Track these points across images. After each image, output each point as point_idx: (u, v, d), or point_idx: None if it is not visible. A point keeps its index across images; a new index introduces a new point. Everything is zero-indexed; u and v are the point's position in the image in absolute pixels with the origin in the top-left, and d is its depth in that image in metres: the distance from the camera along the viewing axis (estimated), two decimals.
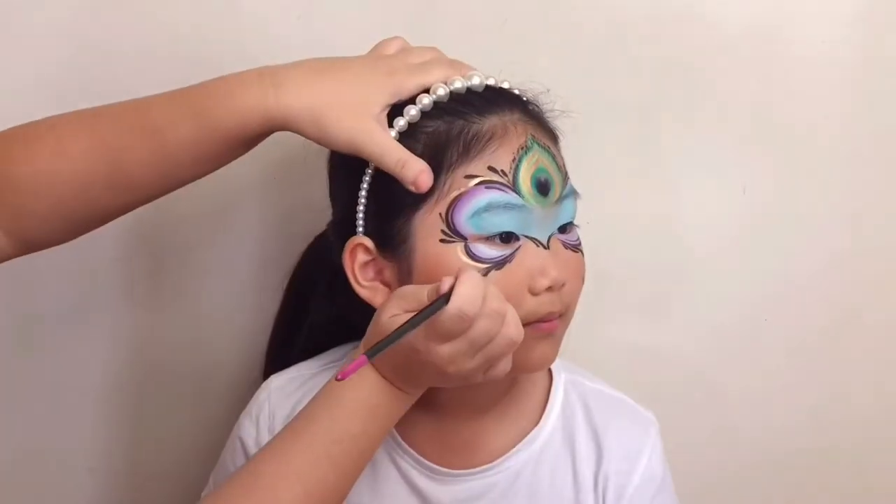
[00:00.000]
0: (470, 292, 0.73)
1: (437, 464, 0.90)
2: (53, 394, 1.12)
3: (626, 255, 1.09)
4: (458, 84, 0.83)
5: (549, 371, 0.93)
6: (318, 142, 0.83)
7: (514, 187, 0.80)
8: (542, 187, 0.81)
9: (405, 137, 0.82)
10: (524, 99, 0.86)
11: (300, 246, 0.98)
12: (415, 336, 0.74)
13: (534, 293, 0.81)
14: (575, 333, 1.04)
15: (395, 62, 0.85)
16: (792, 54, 1.05)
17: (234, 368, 1.07)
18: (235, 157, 0.86)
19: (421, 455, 0.90)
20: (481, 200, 0.80)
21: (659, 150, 1.07)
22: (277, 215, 1.08)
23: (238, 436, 0.94)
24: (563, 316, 0.84)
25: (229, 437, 0.96)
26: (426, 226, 0.81)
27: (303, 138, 0.83)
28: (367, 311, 0.81)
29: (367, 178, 0.83)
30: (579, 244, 0.85)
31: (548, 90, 1.00)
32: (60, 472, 1.14)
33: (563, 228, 0.84)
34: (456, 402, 0.89)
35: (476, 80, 0.83)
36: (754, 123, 1.06)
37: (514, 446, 0.90)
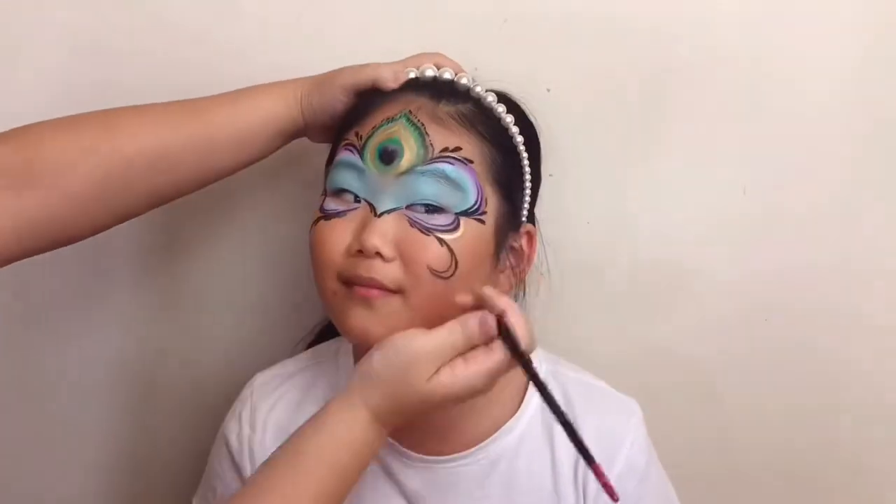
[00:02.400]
0: (527, 329, 0.78)
1: (412, 450, 0.90)
2: (53, 393, 1.12)
3: (627, 254, 1.09)
4: (413, 74, 0.90)
5: None
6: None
7: (361, 151, 0.84)
8: (386, 155, 0.84)
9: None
10: (466, 92, 0.89)
11: (300, 247, 0.98)
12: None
13: (349, 253, 0.83)
14: (576, 333, 1.05)
15: None
16: (792, 53, 1.05)
17: (236, 368, 1.07)
18: (270, 150, 0.91)
19: (396, 440, 0.90)
20: (340, 159, 0.86)
21: (658, 150, 1.07)
22: (281, 215, 1.08)
23: (223, 433, 0.95)
24: (396, 293, 0.83)
25: (216, 438, 0.96)
26: None
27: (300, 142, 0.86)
28: None
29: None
30: (441, 229, 0.83)
31: (548, 90, 1.01)
32: (60, 472, 1.15)
33: (430, 209, 0.83)
34: None
35: (429, 73, 0.90)
36: (754, 123, 1.06)
37: (490, 435, 0.90)
